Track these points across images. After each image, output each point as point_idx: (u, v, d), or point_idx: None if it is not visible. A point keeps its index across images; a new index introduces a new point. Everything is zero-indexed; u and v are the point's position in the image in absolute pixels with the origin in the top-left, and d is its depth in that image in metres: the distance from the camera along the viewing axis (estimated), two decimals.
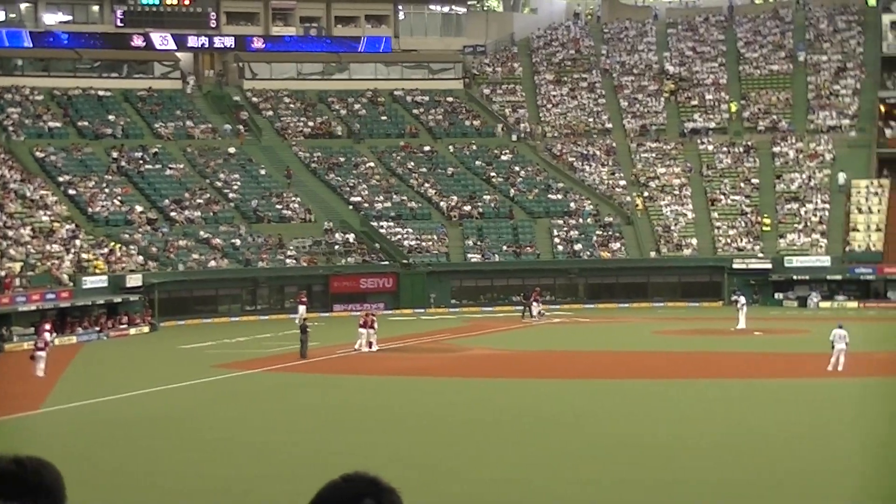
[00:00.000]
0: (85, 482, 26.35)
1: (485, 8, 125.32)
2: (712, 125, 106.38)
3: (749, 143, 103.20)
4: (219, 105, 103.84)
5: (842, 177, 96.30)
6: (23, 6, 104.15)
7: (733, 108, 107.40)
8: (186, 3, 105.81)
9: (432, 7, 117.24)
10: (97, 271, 77.71)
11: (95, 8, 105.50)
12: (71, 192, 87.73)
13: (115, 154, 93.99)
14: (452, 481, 28.15)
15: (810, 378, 48.00)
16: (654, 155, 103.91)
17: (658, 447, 32.53)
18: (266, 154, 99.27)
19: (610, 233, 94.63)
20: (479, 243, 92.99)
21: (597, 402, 41.98)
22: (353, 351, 59.79)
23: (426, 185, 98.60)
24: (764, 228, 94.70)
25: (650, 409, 39.78)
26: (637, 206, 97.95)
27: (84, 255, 78.72)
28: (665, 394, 44.07)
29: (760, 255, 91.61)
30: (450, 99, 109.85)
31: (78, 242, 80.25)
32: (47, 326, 63.77)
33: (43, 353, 53.15)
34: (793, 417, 38.07)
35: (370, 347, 60.38)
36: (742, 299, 73.24)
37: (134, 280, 77.57)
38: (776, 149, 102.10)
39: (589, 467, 30.11)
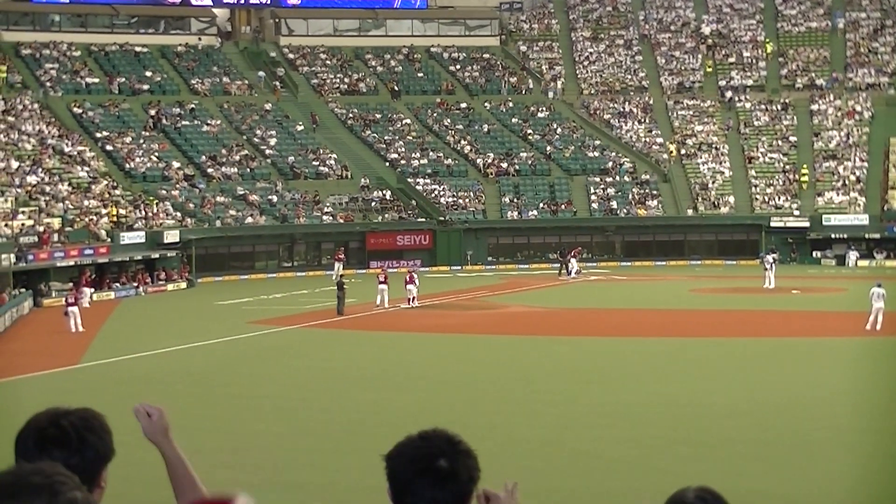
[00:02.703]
0: (118, 436, 26.43)
1: None
2: (750, 83, 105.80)
3: (787, 101, 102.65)
4: (255, 62, 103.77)
5: None
6: None
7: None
8: None
9: None
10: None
11: None
12: (108, 147, 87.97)
13: (152, 111, 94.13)
14: (484, 439, 28.11)
15: (848, 336, 47.81)
16: (691, 112, 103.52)
17: (695, 406, 32.47)
18: (302, 110, 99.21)
19: (647, 190, 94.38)
20: (515, 200, 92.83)
21: (633, 361, 41.87)
22: (391, 308, 59.90)
23: (463, 142, 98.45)
24: (802, 186, 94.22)
25: (687, 368, 39.71)
26: (671, 152, 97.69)
27: (121, 211, 79.04)
28: (702, 352, 43.94)
29: (798, 213, 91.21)
30: (486, 56, 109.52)
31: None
32: (81, 282, 64.20)
33: (75, 309, 53.45)
34: (830, 376, 37.94)
35: (409, 304, 60.74)
36: (769, 258, 72.74)
37: (171, 236, 77.91)
38: (814, 106, 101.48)
39: (625, 425, 30.03)
